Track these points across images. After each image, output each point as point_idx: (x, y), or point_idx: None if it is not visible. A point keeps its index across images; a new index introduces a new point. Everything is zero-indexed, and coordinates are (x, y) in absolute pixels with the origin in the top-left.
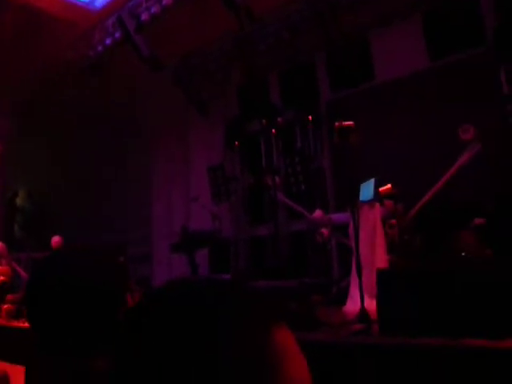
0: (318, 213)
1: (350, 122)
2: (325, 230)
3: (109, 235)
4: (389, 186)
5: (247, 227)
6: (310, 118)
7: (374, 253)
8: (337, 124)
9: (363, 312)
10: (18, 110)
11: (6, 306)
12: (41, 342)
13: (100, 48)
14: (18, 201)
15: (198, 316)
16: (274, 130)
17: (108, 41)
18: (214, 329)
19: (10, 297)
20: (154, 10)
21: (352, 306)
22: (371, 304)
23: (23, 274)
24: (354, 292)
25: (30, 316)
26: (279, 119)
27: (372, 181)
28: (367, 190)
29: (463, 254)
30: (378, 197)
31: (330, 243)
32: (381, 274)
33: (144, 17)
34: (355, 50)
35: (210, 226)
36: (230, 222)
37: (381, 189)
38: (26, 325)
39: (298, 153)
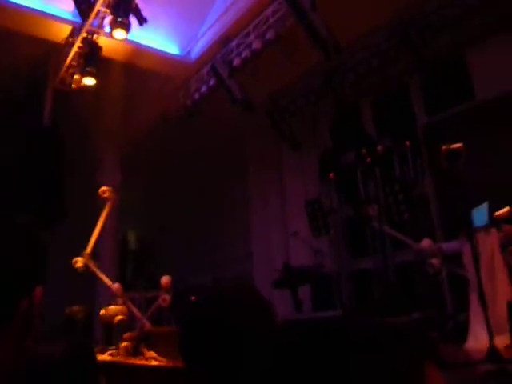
0: (426, 242)
1: (459, 145)
2: (435, 261)
3: (210, 272)
4: (506, 209)
5: (349, 260)
6: (408, 143)
7: (495, 283)
8: (444, 147)
9: (493, 350)
10: (127, 162)
11: (123, 344)
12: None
13: (196, 96)
14: (130, 244)
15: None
16: (369, 159)
17: (203, 88)
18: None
19: (127, 335)
20: (244, 54)
21: (474, 343)
22: (498, 341)
23: (137, 313)
24: (476, 327)
25: (186, 352)
26: (379, 147)
27: (485, 205)
28: (480, 215)
29: None
30: (493, 221)
31: (441, 274)
32: None
33: (236, 62)
34: (451, 70)
35: (310, 261)
36: (331, 256)
37: (497, 213)
38: (143, 362)
39: (397, 181)
